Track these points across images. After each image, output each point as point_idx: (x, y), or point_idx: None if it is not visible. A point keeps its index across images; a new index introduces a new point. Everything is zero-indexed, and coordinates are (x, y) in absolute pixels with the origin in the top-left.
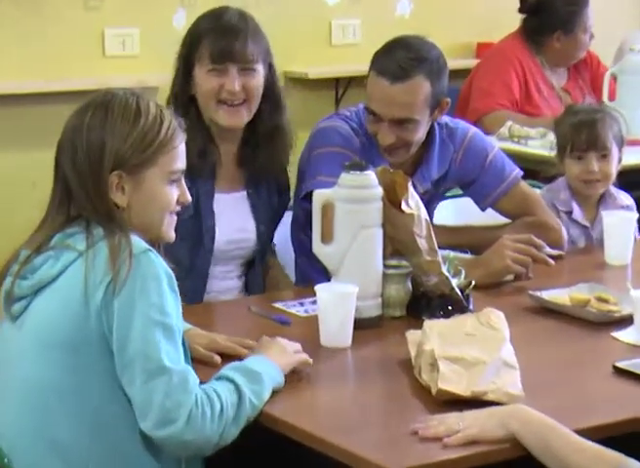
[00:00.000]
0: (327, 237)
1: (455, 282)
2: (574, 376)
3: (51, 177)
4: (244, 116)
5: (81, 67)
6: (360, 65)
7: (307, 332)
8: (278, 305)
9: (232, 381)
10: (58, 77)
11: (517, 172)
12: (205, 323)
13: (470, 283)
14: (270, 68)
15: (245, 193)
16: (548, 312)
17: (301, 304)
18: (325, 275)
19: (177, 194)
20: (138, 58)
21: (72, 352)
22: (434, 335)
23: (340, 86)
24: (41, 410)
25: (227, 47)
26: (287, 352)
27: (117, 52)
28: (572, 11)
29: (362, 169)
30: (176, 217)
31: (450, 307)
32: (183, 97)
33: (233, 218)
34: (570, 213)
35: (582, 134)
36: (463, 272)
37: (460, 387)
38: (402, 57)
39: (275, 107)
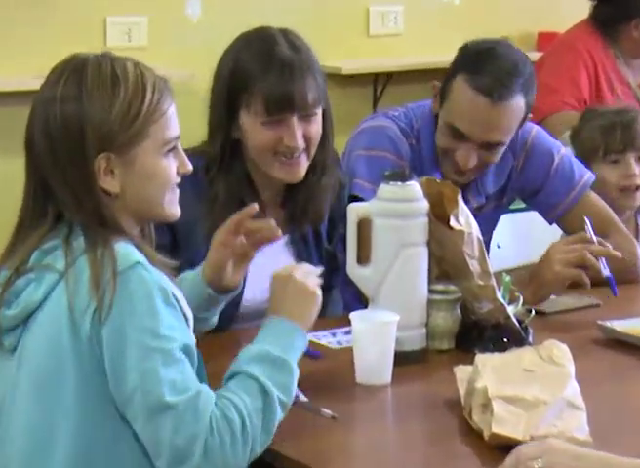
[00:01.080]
0: (363, 257)
1: (511, 310)
2: None
3: None
4: (305, 167)
5: None
6: (402, 59)
7: (340, 367)
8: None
9: (254, 379)
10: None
11: (588, 177)
12: (223, 352)
13: (530, 311)
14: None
15: (287, 238)
16: (620, 345)
17: (333, 335)
18: (361, 301)
19: (175, 165)
20: (145, 50)
21: (72, 392)
22: (487, 371)
23: (380, 82)
24: (43, 463)
25: (285, 95)
26: (309, 293)
27: (121, 43)
28: None
29: (404, 179)
30: (178, 191)
31: (505, 339)
32: (228, 148)
33: (270, 273)
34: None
35: (616, 133)
36: (521, 299)
37: (517, 431)
38: (503, 71)
39: (325, 145)
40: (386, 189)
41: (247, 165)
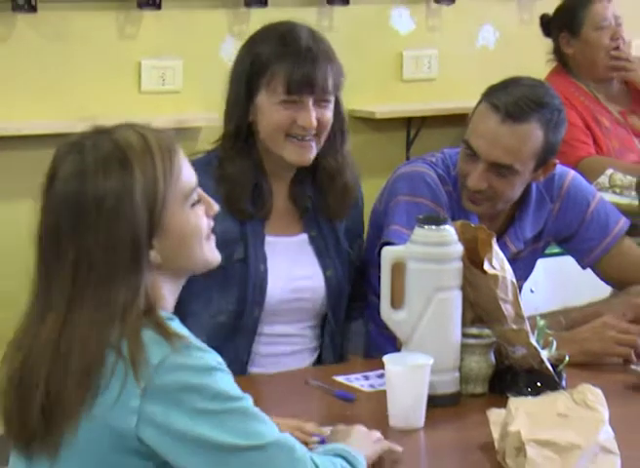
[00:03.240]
0: (397, 301)
1: (545, 354)
2: None
3: None
4: (314, 152)
5: (113, 105)
6: (436, 103)
7: (373, 411)
8: (339, 379)
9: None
10: (85, 116)
11: (623, 223)
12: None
13: (564, 356)
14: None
15: (306, 236)
16: None
17: (366, 378)
18: (394, 344)
19: (203, 213)
20: (180, 94)
21: None
22: (521, 416)
23: (413, 127)
24: None
25: (307, 76)
26: (369, 439)
27: (156, 87)
28: (572, 7)
29: (439, 223)
30: (214, 237)
31: (539, 383)
32: (244, 127)
33: (293, 264)
34: None
35: None
36: (555, 343)
37: None
38: (522, 95)
39: (344, 139)
40: (421, 233)
41: (260, 150)
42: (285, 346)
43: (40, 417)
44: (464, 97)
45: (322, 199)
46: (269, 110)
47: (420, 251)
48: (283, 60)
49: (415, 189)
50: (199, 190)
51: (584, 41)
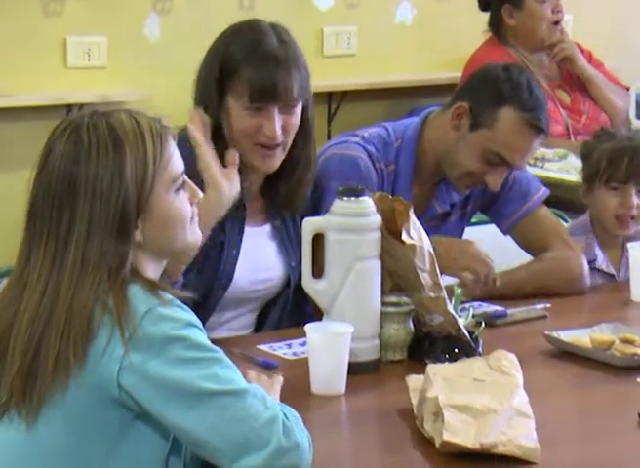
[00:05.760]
0: (318, 271)
1: (462, 321)
2: (596, 427)
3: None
4: (280, 159)
5: (39, 80)
6: (356, 78)
7: (296, 378)
8: (263, 347)
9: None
10: (12, 91)
11: (543, 191)
12: None
13: (480, 323)
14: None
15: (270, 226)
16: (567, 355)
17: (289, 346)
18: (317, 312)
19: (187, 198)
20: (105, 70)
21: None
22: (438, 381)
23: (334, 101)
24: None
25: (269, 85)
26: (274, 387)
27: (81, 63)
28: None
29: (357, 194)
30: (196, 218)
31: (456, 350)
32: (215, 125)
33: (257, 256)
34: (593, 261)
35: (624, 162)
36: (472, 310)
37: (468, 439)
38: (543, 104)
39: (308, 140)
40: (340, 204)
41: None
42: (224, 331)
43: (22, 377)
44: (383, 71)
45: (283, 191)
46: (236, 116)
47: (338, 221)
48: (248, 66)
49: (345, 174)
50: (184, 177)
51: (528, 13)
